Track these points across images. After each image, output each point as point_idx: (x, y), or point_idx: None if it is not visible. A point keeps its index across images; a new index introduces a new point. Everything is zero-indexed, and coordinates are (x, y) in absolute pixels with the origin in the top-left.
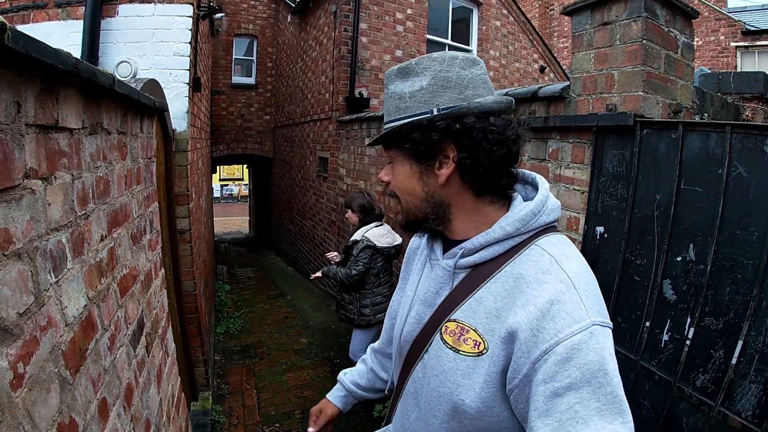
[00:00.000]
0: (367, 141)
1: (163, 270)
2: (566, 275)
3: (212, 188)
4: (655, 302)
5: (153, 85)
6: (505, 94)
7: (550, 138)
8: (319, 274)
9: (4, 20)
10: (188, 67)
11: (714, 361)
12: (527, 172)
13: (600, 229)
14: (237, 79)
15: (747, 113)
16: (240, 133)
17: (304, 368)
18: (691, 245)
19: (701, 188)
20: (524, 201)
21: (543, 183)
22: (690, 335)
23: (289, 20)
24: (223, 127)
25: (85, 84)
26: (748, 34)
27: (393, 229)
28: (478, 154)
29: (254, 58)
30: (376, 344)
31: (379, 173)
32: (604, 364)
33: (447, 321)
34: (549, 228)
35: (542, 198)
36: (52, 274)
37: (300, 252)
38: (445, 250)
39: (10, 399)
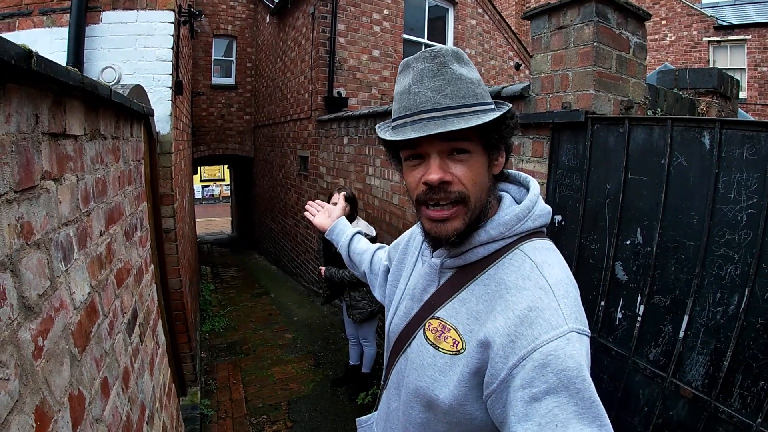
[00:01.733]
0: (345, 139)
1: (152, 266)
2: (546, 282)
3: (194, 189)
4: (609, 283)
5: (138, 90)
6: None
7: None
8: (322, 269)
9: (30, 48)
10: (171, 72)
11: (664, 335)
12: (522, 174)
13: (558, 217)
14: (216, 79)
15: (702, 107)
16: (220, 133)
17: (289, 362)
18: (639, 229)
19: (646, 177)
20: (516, 203)
21: (534, 188)
22: (641, 312)
23: (267, 21)
24: (203, 127)
25: (87, 95)
26: (720, 29)
27: None
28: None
29: (233, 58)
30: (372, 258)
31: (427, 174)
32: (581, 370)
33: (431, 318)
34: (536, 233)
35: (529, 204)
36: (63, 263)
37: (283, 250)
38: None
39: (33, 367)
